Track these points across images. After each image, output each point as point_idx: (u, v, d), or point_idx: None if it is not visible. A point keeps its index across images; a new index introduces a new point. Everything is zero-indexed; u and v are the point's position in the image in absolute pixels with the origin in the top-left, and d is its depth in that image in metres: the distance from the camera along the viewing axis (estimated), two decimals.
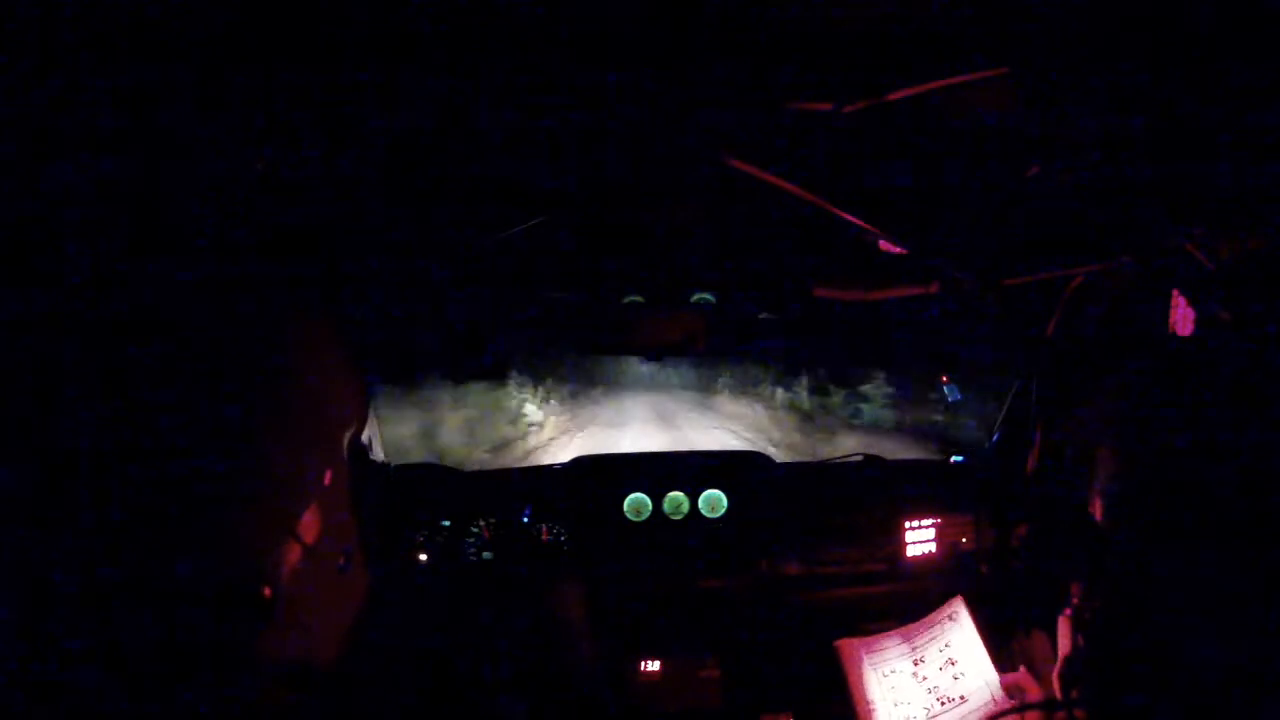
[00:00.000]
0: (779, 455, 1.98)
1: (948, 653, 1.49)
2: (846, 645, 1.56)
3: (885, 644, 1.56)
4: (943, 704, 1.44)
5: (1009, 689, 1.42)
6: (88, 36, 0.67)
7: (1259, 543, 0.94)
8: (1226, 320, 1.01)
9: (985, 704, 1.39)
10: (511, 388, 13.04)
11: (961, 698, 1.43)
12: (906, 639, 1.55)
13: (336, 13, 0.70)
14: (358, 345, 1.45)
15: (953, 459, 1.98)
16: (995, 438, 1.85)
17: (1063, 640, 1.28)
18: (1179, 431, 1.08)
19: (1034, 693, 1.42)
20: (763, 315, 1.61)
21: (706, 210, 1.32)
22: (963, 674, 1.46)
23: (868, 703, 1.47)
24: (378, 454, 1.56)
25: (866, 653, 1.55)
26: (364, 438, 1.41)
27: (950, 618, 1.53)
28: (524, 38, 0.76)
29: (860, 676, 1.50)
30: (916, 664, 1.51)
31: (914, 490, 1.81)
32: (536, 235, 1.30)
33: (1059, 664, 1.28)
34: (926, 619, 1.57)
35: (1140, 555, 1.13)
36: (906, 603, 1.70)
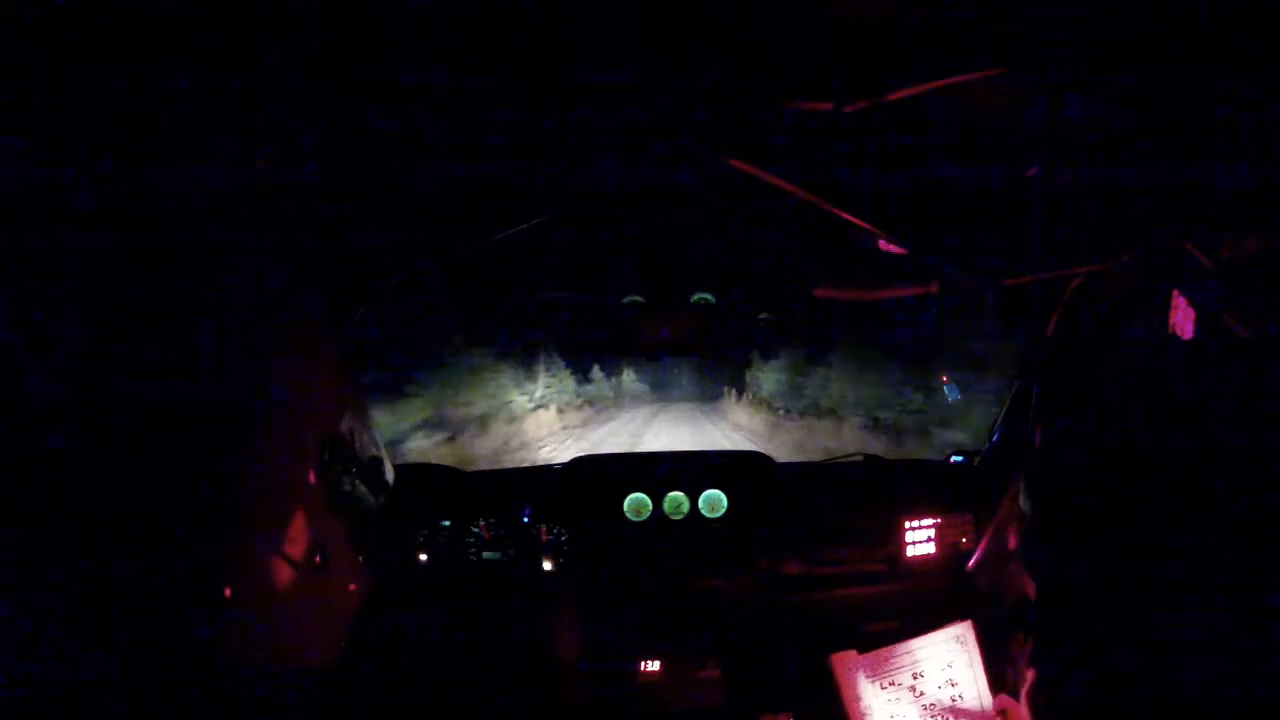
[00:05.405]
0: (779, 455, 1.97)
1: (949, 673, 1.50)
2: (840, 659, 1.54)
3: (888, 654, 1.55)
4: None
5: (999, 709, 1.44)
6: (88, 36, 0.67)
7: (1260, 544, 0.94)
8: (1227, 320, 1.01)
9: None
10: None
11: (957, 715, 1.45)
12: (911, 651, 1.55)
13: (337, 13, 0.70)
14: (353, 345, 1.45)
15: (953, 459, 1.98)
16: (995, 438, 1.85)
17: (1059, 655, 1.28)
18: (1178, 431, 1.08)
19: (1018, 714, 1.44)
20: (763, 315, 1.61)
21: (706, 210, 1.32)
22: (961, 695, 1.48)
23: (861, 713, 1.47)
24: (369, 451, 1.56)
25: (868, 662, 1.54)
26: (352, 436, 1.41)
27: (959, 640, 1.54)
28: (524, 38, 0.76)
29: (855, 691, 1.50)
30: (916, 677, 1.51)
31: (914, 490, 1.81)
32: (536, 235, 1.30)
33: (1051, 679, 1.28)
34: (934, 634, 1.56)
35: (1138, 556, 1.13)
36: (906, 603, 1.70)
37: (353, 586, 1.41)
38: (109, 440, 0.83)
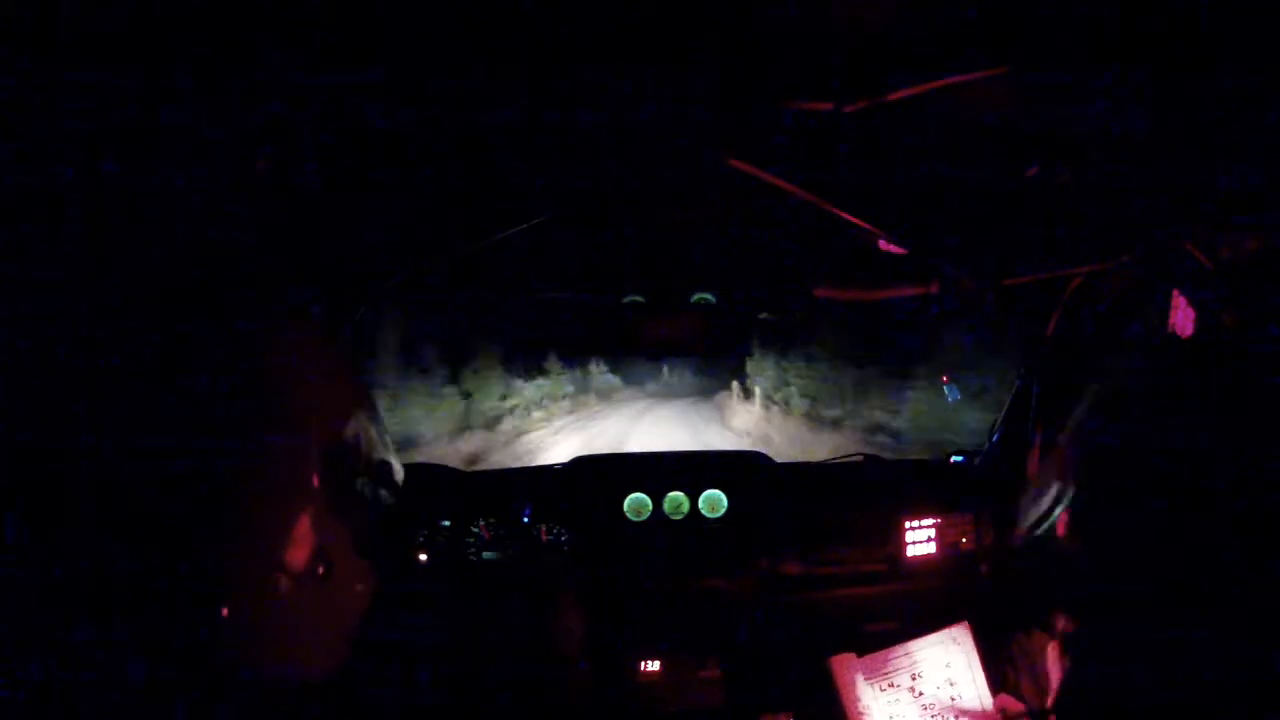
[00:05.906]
0: (779, 455, 1.97)
1: (947, 673, 1.51)
2: (839, 661, 1.54)
3: (886, 656, 1.56)
4: None
5: (999, 709, 1.44)
6: (88, 36, 0.68)
7: (1260, 545, 0.94)
8: (1227, 320, 1.01)
9: None
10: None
11: (956, 715, 1.45)
12: (910, 653, 1.55)
13: (337, 13, 0.70)
14: (354, 346, 1.45)
15: (953, 459, 1.98)
16: (995, 438, 1.85)
17: (1057, 653, 1.28)
18: (1179, 432, 1.08)
19: (1019, 714, 1.44)
20: (763, 315, 1.61)
21: (706, 210, 1.32)
22: (960, 695, 1.48)
23: (860, 714, 1.47)
24: (377, 454, 1.54)
25: (867, 664, 1.54)
26: (359, 438, 1.40)
27: (955, 640, 1.54)
28: (524, 38, 0.76)
29: (854, 693, 1.50)
30: (915, 678, 1.51)
31: (914, 490, 1.81)
32: (536, 235, 1.30)
33: (1059, 677, 1.28)
34: (931, 635, 1.57)
35: (1136, 557, 1.13)
36: (906, 603, 1.70)
37: (359, 590, 1.40)
38: (108, 441, 0.83)
